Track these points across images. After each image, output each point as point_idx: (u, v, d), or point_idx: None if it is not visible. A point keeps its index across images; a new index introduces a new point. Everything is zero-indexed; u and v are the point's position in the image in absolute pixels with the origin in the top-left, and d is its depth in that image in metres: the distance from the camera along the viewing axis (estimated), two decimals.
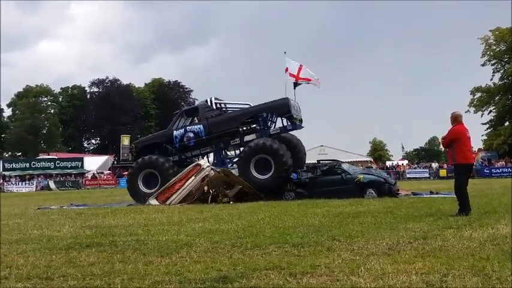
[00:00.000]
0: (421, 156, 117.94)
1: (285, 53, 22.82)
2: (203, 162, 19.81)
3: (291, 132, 22.07)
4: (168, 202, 18.92)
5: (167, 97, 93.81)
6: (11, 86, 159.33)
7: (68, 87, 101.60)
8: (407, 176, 54.04)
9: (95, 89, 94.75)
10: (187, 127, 21.63)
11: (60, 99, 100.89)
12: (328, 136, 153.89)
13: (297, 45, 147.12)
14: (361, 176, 19.41)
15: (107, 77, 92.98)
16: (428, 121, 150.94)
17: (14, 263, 7.08)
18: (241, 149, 21.24)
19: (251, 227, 10.44)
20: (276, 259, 6.83)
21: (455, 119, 11.90)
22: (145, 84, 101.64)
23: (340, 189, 18.73)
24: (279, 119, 21.35)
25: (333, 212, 13.32)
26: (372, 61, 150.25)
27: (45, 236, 10.07)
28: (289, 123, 21.02)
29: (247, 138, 20.91)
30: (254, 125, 21.25)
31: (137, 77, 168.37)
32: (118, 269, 6.48)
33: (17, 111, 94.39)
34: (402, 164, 64.17)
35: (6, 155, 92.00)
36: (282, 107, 20.77)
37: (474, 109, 64.68)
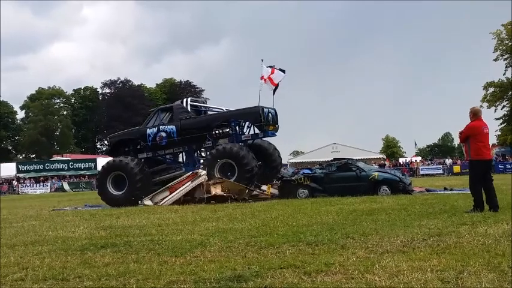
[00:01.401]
0: (434, 152, 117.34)
1: (262, 60, 22.83)
2: (200, 170, 19.81)
3: (269, 141, 22.49)
4: (160, 203, 19.21)
5: (179, 97, 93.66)
6: (24, 88, 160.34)
7: (80, 88, 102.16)
8: (421, 172, 53.78)
9: (107, 90, 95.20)
10: (160, 126, 21.61)
11: (72, 100, 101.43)
12: (341, 133, 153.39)
13: (308, 43, 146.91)
14: (376, 173, 19.37)
15: (119, 78, 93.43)
16: (441, 117, 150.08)
17: (30, 265, 7.13)
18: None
19: (265, 226, 10.44)
20: (290, 258, 6.82)
21: (475, 114, 11.81)
22: (157, 84, 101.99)
23: (354, 186, 18.69)
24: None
25: (347, 209, 13.28)
26: (384, 57, 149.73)
27: (60, 237, 10.13)
28: (260, 131, 21.08)
29: (220, 142, 21.05)
30: (228, 130, 21.31)
31: (149, 77, 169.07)
32: (133, 269, 6.51)
33: (30, 114, 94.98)
34: (415, 161, 63.82)
35: (21, 157, 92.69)
36: (253, 115, 20.84)
37: (487, 104, 64.16)
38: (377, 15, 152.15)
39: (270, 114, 21.11)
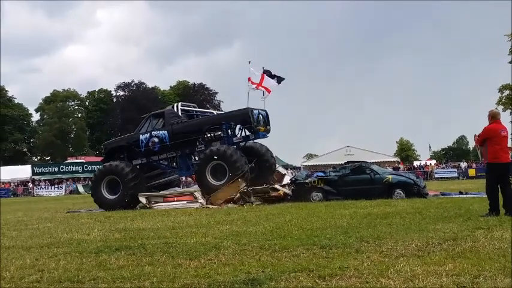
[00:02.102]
0: (449, 155, 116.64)
1: (249, 62, 22.92)
2: (199, 195, 19.91)
3: (262, 143, 22.61)
4: (153, 205, 20.02)
5: (192, 100, 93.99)
6: (38, 91, 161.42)
7: (95, 91, 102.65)
8: (436, 176, 53.46)
9: (121, 93, 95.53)
10: (152, 132, 21.74)
11: (87, 103, 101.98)
12: (354, 136, 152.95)
13: (323, 45, 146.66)
14: (390, 176, 19.29)
15: (133, 81, 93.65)
16: (456, 120, 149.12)
17: (45, 267, 7.18)
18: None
19: (279, 229, 10.43)
20: (304, 261, 6.82)
21: (493, 116, 11.72)
22: (171, 87, 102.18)
23: (368, 189, 18.62)
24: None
25: (361, 213, 13.24)
26: (398, 59, 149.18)
27: (75, 240, 10.20)
28: (250, 133, 21.17)
29: (213, 145, 21.06)
30: (219, 133, 21.34)
31: (162, 79, 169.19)
32: (147, 272, 6.53)
33: (45, 116, 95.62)
34: (430, 164, 63.45)
35: (36, 159, 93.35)
36: (243, 117, 20.99)
37: (503, 107, 63.67)
38: (391, 15, 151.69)
39: (260, 115, 21.26)
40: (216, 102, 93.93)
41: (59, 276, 6.47)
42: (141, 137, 21.93)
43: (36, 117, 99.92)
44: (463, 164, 59.59)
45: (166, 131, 21.38)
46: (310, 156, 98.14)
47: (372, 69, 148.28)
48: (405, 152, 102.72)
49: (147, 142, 21.67)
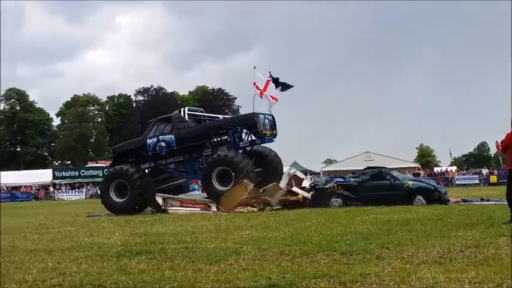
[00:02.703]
0: (470, 162, 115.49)
1: (254, 67, 23.06)
2: (213, 206, 19.98)
3: (269, 147, 22.79)
4: (168, 208, 20.17)
5: (211, 105, 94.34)
6: (59, 95, 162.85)
7: (114, 96, 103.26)
8: (457, 182, 52.97)
9: (141, 98, 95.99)
10: (160, 136, 21.90)
11: (107, 108, 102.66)
12: (374, 142, 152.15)
13: (341, 49, 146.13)
14: (410, 182, 19.17)
15: (152, 86, 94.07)
16: (477, 126, 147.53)
17: (67, 270, 7.23)
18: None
19: (299, 235, 10.41)
20: (324, 267, 6.79)
21: None
22: (190, 92, 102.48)
23: (388, 194, 18.50)
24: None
25: (381, 219, 13.17)
26: (418, 64, 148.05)
27: (96, 244, 10.26)
28: (256, 137, 21.24)
29: (219, 149, 21.19)
30: (226, 137, 21.41)
31: (181, 84, 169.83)
32: (168, 276, 6.55)
33: (65, 121, 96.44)
34: (451, 170, 62.90)
35: (56, 164, 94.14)
36: (248, 122, 21.20)
37: None
38: (411, 20, 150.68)
39: (266, 120, 21.40)
40: (235, 107, 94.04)
41: (81, 280, 6.52)
42: (148, 141, 22.13)
43: (57, 121, 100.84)
44: (485, 171, 58.99)
45: (173, 136, 21.56)
46: (329, 161, 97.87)
47: (391, 73, 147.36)
48: (425, 158, 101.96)
49: (155, 146, 21.87)
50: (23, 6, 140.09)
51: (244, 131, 21.40)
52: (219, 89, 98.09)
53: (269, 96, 22.22)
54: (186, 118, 22.27)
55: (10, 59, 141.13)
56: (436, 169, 70.64)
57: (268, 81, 22.19)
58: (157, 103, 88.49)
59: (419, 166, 72.65)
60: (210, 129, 21.79)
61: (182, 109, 23.10)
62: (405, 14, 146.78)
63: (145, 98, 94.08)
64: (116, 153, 24.17)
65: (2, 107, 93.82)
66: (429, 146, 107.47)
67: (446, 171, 61.79)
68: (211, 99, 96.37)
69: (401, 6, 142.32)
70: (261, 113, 21.38)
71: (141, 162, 22.43)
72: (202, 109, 25.76)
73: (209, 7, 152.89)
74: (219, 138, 21.42)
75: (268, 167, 22.01)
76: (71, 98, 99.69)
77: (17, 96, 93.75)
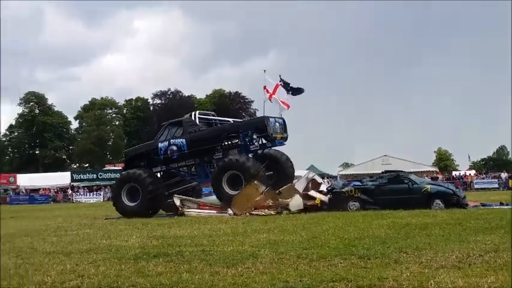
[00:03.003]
0: (489, 166, 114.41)
1: (264, 71, 23.31)
2: (229, 210, 20.00)
3: (280, 150, 22.66)
4: (185, 210, 20.29)
5: (228, 108, 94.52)
6: (77, 98, 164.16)
7: (132, 99, 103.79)
8: (475, 186, 52.48)
9: (158, 101, 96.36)
10: (171, 140, 21.98)
11: (124, 111, 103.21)
12: (392, 145, 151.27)
13: (361, 50, 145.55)
14: (428, 186, 19.04)
15: (169, 89, 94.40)
16: (496, 129, 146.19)
17: (85, 272, 7.28)
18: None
19: (316, 238, 10.38)
20: (342, 271, 6.77)
21: None
22: (207, 95, 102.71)
23: (406, 198, 18.39)
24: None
25: (399, 223, 13.09)
26: (436, 68, 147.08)
27: (113, 246, 10.31)
28: (267, 141, 21.27)
29: (231, 153, 21.23)
30: (237, 141, 21.42)
31: (198, 88, 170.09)
32: (185, 279, 6.56)
33: (83, 124, 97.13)
34: (469, 174, 62.37)
35: (75, 166, 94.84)
36: (259, 126, 21.23)
37: None
38: (433, 16, 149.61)
39: (277, 123, 21.40)
40: (252, 110, 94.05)
41: (99, 282, 6.56)
42: (159, 145, 22.23)
43: (75, 124, 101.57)
44: (504, 175, 58.37)
45: (184, 139, 21.65)
46: (346, 165, 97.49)
47: (410, 76, 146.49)
48: (444, 161, 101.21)
49: (166, 150, 21.98)
50: (42, 10, 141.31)
51: (255, 134, 21.41)
52: (236, 92, 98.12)
53: (279, 101, 22.36)
54: (197, 122, 22.32)
55: (29, 63, 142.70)
56: (454, 173, 70.10)
57: (277, 86, 22.31)
58: (175, 106, 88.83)
59: (438, 170, 72.18)
60: (221, 133, 21.82)
61: (193, 113, 23.15)
62: (428, 11, 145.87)
63: (163, 101, 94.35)
64: (127, 157, 24.29)
65: (21, 110, 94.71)
66: (447, 150, 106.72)
67: (465, 175, 61.28)
68: (228, 102, 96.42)
69: (415, 7, 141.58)
70: (271, 117, 21.42)
71: (153, 165, 22.55)
72: (213, 112, 25.85)
73: (226, 11, 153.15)
74: (230, 142, 21.49)
75: (279, 171, 22.01)
76: (89, 101, 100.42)
77: (36, 99, 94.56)
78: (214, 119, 23.85)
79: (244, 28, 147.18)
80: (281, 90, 22.39)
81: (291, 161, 22.83)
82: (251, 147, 21.25)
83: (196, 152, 21.56)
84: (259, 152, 21.62)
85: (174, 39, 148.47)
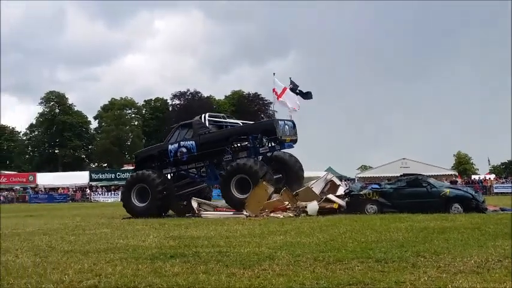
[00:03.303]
0: (509, 170, 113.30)
1: (274, 74, 23.53)
2: (245, 211, 20.02)
3: (289, 153, 22.69)
4: (202, 213, 20.47)
5: (247, 109, 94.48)
6: (97, 98, 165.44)
7: (151, 99, 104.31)
8: (495, 190, 52.02)
9: (177, 101, 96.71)
10: (181, 142, 22.09)
11: (143, 111, 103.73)
12: (411, 148, 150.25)
13: (381, 53, 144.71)
14: (447, 190, 18.90)
15: (188, 90, 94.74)
16: None
17: (102, 271, 7.32)
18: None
19: (333, 241, 10.35)
20: (359, 274, 6.74)
21: None
22: (225, 96, 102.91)
23: (425, 202, 18.25)
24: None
25: (417, 226, 13.01)
26: (454, 70, 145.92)
27: (131, 246, 10.36)
28: (276, 144, 21.25)
29: (240, 155, 21.28)
30: (246, 143, 21.43)
31: (217, 89, 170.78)
32: (202, 279, 6.57)
33: (103, 124, 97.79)
34: (489, 178, 61.80)
35: (93, 166, 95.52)
36: (268, 129, 21.23)
37: None
38: (452, 17, 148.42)
39: (286, 126, 21.43)
40: (270, 111, 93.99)
41: (116, 281, 6.59)
42: (169, 147, 22.38)
43: (94, 124, 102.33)
44: None
45: (194, 142, 21.75)
46: (364, 168, 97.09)
47: (430, 79, 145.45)
48: (463, 165, 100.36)
49: (176, 152, 22.11)
50: (64, 10, 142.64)
51: (264, 137, 21.42)
52: (255, 93, 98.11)
53: (287, 104, 22.47)
54: (207, 124, 22.43)
55: (51, 62, 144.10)
56: (473, 177, 69.51)
57: (285, 89, 22.41)
58: (194, 107, 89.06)
59: (457, 174, 71.63)
60: (230, 135, 21.89)
61: (203, 115, 23.26)
62: (446, 12, 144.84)
63: (182, 102, 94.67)
64: (138, 159, 24.50)
65: (41, 110, 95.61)
66: (467, 154, 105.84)
67: (485, 179, 60.76)
68: (247, 103, 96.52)
69: (440, 6, 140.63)
70: (280, 119, 21.48)
71: (163, 167, 22.72)
72: (223, 114, 25.93)
73: (246, 12, 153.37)
74: (239, 144, 21.57)
75: (288, 173, 22.04)
76: (109, 101, 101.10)
77: (57, 99, 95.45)
78: (224, 122, 23.95)
79: (264, 29, 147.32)
80: (289, 93, 22.49)
81: (300, 163, 22.86)
82: (260, 149, 21.29)
83: (206, 154, 21.68)
84: (269, 154, 21.64)
85: (194, 40, 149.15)
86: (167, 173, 22.83)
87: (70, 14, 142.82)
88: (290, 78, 23.16)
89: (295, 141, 21.94)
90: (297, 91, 22.74)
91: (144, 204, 21.54)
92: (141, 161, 23.72)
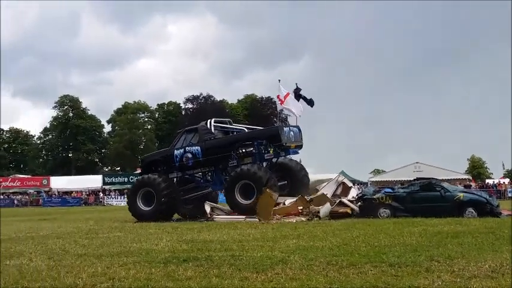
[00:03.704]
0: None
1: (279, 81, 23.62)
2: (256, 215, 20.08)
3: (295, 159, 23.04)
4: (214, 216, 20.66)
5: (260, 113, 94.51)
6: (110, 102, 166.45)
7: (164, 103, 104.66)
8: (509, 195, 51.61)
9: (190, 105, 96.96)
10: (186, 148, 22.16)
11: (156, 115, 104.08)
12: (424, 152, 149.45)
13: (395, 56, 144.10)
14: (461, 194, 18.79)
15: (201, 93, 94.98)
16: None
17: (116, 275, 7.34)
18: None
19: (346, 245, 10.31)
20: (372, 279, 6.71)
21: None
22: (238, 100, 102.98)
23: (438, 206, 18.16)
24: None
25: (431, 231, 12.94)
26: (469, 73, 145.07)
27: (144, 250, 10.38)
28: (280, 150, 21.24)
29: (245, 161, 21.32)
30: (251, 149, 21.43)
31: (230, 93, 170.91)
32: (215, 283, 6.57)
33: (116, 127, 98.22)
34: (503, 183, 61.35)
35: (106, 169, 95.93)
36: (272, 135, 21.21)
37: None
38: (465, 20, 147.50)
39: (291, 133, 21.49)
40: (283, 115, 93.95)
41: (129, 285, 6.61)
42: (175, 152, 22.50)
43: (107, 128, 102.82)
44: None
45: (199, 147, 21.82)
46: (377, 171, 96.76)
47: (443, 82, 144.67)
48: (477, 169, 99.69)
49: (181, 157, 22.22)
50: (78, 15, 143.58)
51: (269, 143, 21.36)
52: (268, 97, 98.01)
53: (292, 110, 22.67)
54: (212, 129, 22.48)
55: (64, 66, 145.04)
56: (488, 181, 69.05)
57: (287, 94, 22.52)
58: (206, 111, 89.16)
59: (471, 178, 71.20)
60: (236, 141, 21.94)
61: (209, 120, 23.32)
62: (459, 15, 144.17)
63: (194, 106, 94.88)
64: (144, 163, 24.67)
65: (55, 113, 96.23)
66: (481, 158, 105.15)
67: (499, 184, 60.34)
68: (260, 107, 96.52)
69: (457, 10, 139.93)
70: (286, 126, 21.50)
71: (169, 171, 22.84)
72: (229, 119, 25.96)
73: (259, 17, 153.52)
74: (244, 150, 21.59)
75: (293, 180, 22.09)
76: (122, 105, 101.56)
77: (71, 102, 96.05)
78: (230, 127, 23.99)
79: (277, 33, 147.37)
80: (291, 98, 22.57)
81: (305, 171, 22.93)
82: (265, 155, 21.24)
83: (211, 159, 21.79)
84: (274, 160, 21.65)
85: (207, 44, 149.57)
86: (173, 177, 22.95)
87: (84, 18, 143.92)
88: (296, 84, 23.21)
89: (300, 147, 21.97)
90: (301, 97, 22.76)
91: (149, 208, 21.66)
92: (147, 165, 23.88)
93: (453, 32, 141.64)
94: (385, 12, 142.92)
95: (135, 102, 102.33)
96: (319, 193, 20.33)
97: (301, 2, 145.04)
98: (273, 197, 19.22)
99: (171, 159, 22.58)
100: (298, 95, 22.71)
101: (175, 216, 22.65)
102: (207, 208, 20.97)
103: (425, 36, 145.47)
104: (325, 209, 19.25)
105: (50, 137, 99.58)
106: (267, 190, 19.22)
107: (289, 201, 19.79)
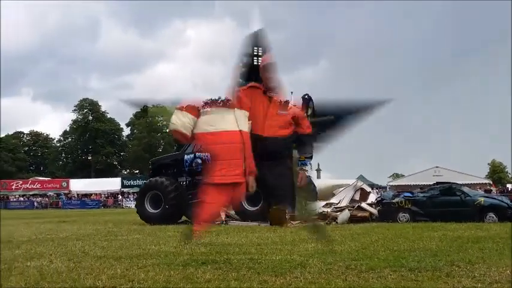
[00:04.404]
0: None
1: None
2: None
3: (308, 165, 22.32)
4: (229, 221, 20.70)
5: None
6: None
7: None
8: None
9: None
10: (197, 153, 22.12)
11: None
12: (444, 157, 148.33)
13: (417, 60, 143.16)
14: (482, 198, 18.65)
15: (219, 97, 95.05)
16: None
17: (135, 277, 7.35)
18: None
19: (365, 249, 10.26)
20: (392, 283, 6.66)
21: None
22: None
23: (458, 211, 18.05)
24: None
25: (451, 235, 12.83)
26: (490, 76, 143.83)
27: (162, 252, 10.40)
28: None
29: None
30: None
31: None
32: (233, 287, 6.56)
33: (135, 131, 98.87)
34: None
35: (125, 172, 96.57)
36: None
37: None
38: (485, 23, 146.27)
39: None
40: None
41: (149, 287, 6.62)
42: (185, 157, 22.57)
43: (126, 131, 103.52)
44: None
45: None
46: (396, 176, 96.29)
47: (463, 86, 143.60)
48: (498, 174, 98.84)
49: (191, 162, 22.32)
50: (98, 20, 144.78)
51: None
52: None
53: None
54: None
55: (84, 71, 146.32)
56: (508, 186, 68.40)
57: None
58: None
59: (491, 182, 70.53)
60: None
61: None
62: (476, 19, 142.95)
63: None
64: (154, 166, 24.77)
65: (75, 117, 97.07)
66: (502, 162, 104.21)
67: None
68: None
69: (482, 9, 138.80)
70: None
71: (179, 175, 22.92)
72: None
73: (277, 21, 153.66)
74: None
75: None
76: (141, 108, 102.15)
77: (90, 106, 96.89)
78: None
79: (294, 38, 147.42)
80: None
81: (314, 185, 22.65)
82: None
83: None
84: None
85: (226, 48, 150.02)
86: (182, 181, 22.98)
87: (104, 23, 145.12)
88: (307, 94, 23.15)
89: (310, 158, 21.89)
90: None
91: (156, 211, 21.74)
92: (157, 168, 24.01)
93: (477, 32, 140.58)
94: (403, 11, 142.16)
95: (153, 106, 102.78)
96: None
97: (320, 5, 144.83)
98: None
99: (181, 163, 22.72)
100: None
101: (183, 218, 22.63)
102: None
103: (446, 38, 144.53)
104: (343, 215, 19.19)
105: (70, 140, 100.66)
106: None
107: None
